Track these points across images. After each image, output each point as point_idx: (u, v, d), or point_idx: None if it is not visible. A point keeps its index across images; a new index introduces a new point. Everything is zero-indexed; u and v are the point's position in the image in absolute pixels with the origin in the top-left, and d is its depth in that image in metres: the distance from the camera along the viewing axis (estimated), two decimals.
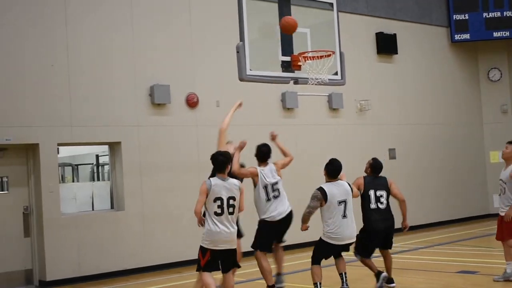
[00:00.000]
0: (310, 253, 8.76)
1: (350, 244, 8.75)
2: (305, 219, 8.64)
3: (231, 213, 7.56)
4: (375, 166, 9.53)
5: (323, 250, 8.67)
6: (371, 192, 9.24)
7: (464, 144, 19.09)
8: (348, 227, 8.51)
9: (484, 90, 19.82)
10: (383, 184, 9.42)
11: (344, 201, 8.49)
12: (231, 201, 7.55)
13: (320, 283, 8.55)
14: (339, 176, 8.76)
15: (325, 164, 8.87)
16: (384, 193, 9.35)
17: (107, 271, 11.99)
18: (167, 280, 10.99)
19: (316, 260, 8.66)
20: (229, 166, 7.76)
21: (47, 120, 11.63)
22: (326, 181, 8.72)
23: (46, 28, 11.78)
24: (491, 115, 19.72)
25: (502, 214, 9.46)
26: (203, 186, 7.52)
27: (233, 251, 7.71)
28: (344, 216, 8.45)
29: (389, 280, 9.46)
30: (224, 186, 7.56)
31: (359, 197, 9.19)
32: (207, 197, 7.49)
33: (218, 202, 7.49)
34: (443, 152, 18.42)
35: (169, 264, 12.59)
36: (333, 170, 8.70)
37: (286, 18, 9.06)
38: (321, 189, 8.53)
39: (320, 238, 8.71)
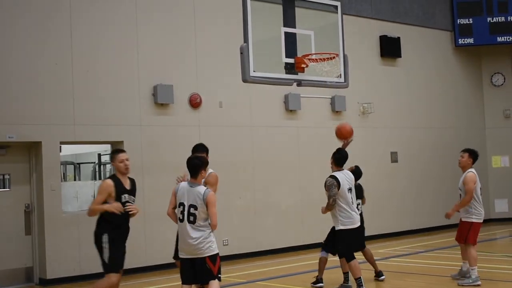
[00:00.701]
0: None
1: (359, 227, 9.23)
2: (331, 207, 8.93)
3: (191, 222, 7.07)
4: (338, 159, 9.26)
5: (348, 240, 8.99)
6: None
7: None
8: (356, 212, 9.08)
9: (487, 94, 19.80)
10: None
11: (351, 189, 9.03)
12: (191, 209, 7.07)
13: (350, 272, 9.04)
14: None
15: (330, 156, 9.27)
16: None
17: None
18: (168, 280, 11.00)
19: (350, 255, 8.97)
20: (204, 172, 7.30)
21: (50, 118, 11.64)
22: (334, 171, 9.09)
23: (50, 27, 11.79)
24: (494, 119, 19.70)
25: (464, 219, 9.80)
26: (174, 187, 7.41)
27: (200, 261, 7.10)
28: (352, 202, 9.01)
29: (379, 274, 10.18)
30: (188, 192, 7.16)
31: None
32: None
33: (181, 208, 7.16)
34: (445, 155, 18.38)
35: (171, 264, 12.57)
36: (339, 158, 9.12)
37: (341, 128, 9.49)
38: (334, 177, 8.94)
39: (338, 230, 8.99)
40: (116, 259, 7.66)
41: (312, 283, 9.87)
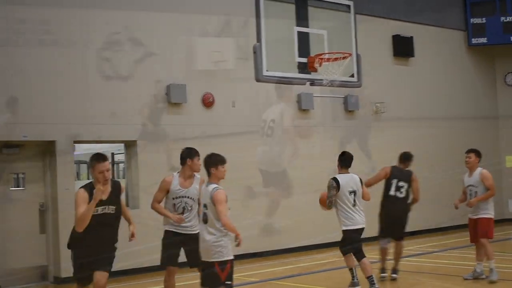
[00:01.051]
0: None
1: (363, 229, 9.25)
2: (329, 207, 9.18)
3: (205, 221, 7.01)
4: (343, 161, 9.48)
5: (353, 238, 9.09)
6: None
7: (479, 148, 18.80)
8: (359, 214, 9.15)
9: (501, 94, 19.69)
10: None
11: (354, 192, 9.12)
12: (204, 209, 7.04)
13: (355, 268, 9.33)
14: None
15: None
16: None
17: (122, 269, 11.96)
18: (181, 279, 11.01)
19: (360, 253, 9.12)
20: (216, 170, 7.05)
21: (63, 117, 11.70)
22: (339, 173, 9.26)
23: (63, 26, 11.85)
24: (507, 119, 19.58)
25: (474, 217, 9.97)
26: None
27: (209, 265, 6.97)
28: (354, 204, 9.09)
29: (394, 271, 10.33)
30: (204, 192, 7.12)
31: None
32: None
33: (201, 208, 7.21)
34: (459, 155, 18.22)
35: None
36: (345, 159, 9.28)
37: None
38: (334, 179, 9.14)
39: (342, 231, 9.19)
40: (77, 275, 7.07)
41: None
